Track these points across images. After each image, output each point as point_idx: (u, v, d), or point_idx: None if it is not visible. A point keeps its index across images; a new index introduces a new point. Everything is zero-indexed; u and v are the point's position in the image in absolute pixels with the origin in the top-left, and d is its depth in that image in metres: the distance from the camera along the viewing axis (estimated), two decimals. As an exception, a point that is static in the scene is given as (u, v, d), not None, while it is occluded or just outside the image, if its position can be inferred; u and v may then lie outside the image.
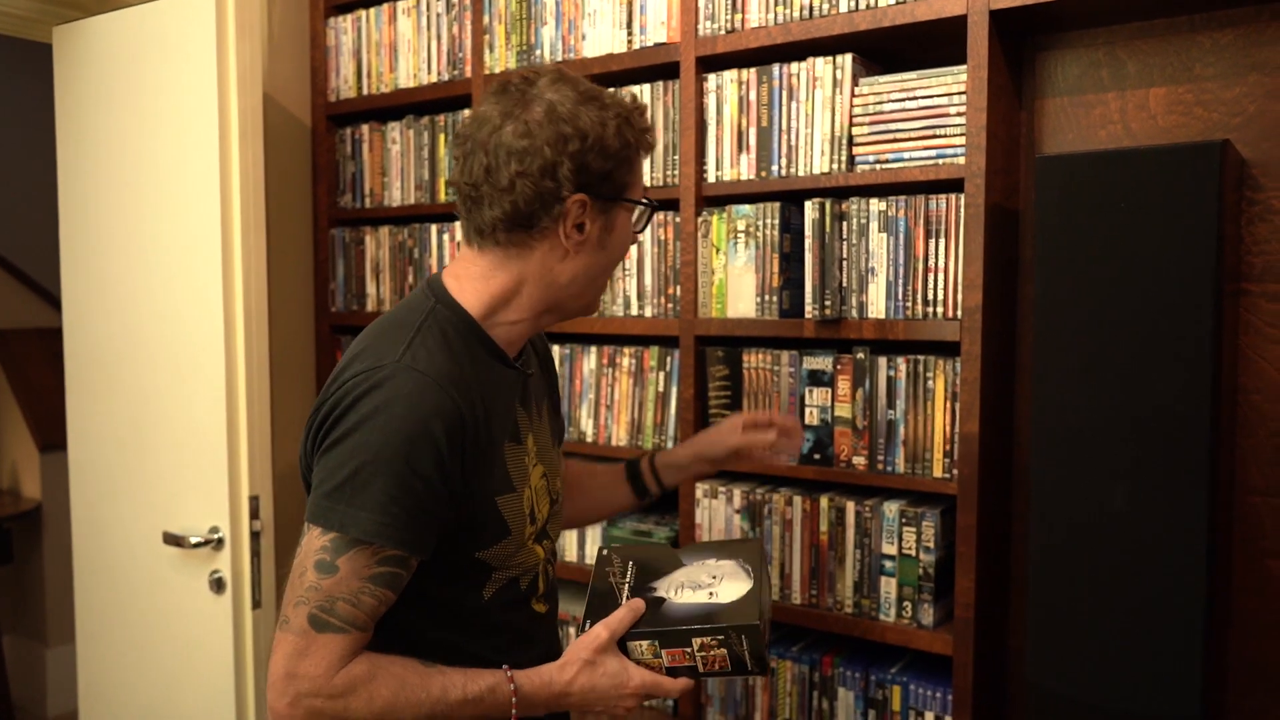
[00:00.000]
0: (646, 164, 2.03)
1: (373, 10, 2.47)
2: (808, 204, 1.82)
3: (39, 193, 4.01)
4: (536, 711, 1.18)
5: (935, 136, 1.71)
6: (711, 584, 1.26)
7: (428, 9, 2.35)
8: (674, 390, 2.03)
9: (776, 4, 1.84)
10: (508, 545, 1.20)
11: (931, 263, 1.73)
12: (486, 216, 1.17)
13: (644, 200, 1.26)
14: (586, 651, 1.19)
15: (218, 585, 2.12)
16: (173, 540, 2.16)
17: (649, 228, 2.04)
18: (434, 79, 2.34)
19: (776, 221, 1.87)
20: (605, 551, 1.36)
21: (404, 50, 2.40)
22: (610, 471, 1.58)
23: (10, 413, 3.71)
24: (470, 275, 1.21)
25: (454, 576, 1.19)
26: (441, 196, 2.35)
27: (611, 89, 1.25)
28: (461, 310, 1.20)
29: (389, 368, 1.09)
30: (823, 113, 1.82)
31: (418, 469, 1.07)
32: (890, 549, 1.76)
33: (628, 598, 1.25)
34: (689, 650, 1.20)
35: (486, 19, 2.24)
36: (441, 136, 2.35)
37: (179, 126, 2.17)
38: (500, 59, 2.22)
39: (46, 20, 2.50)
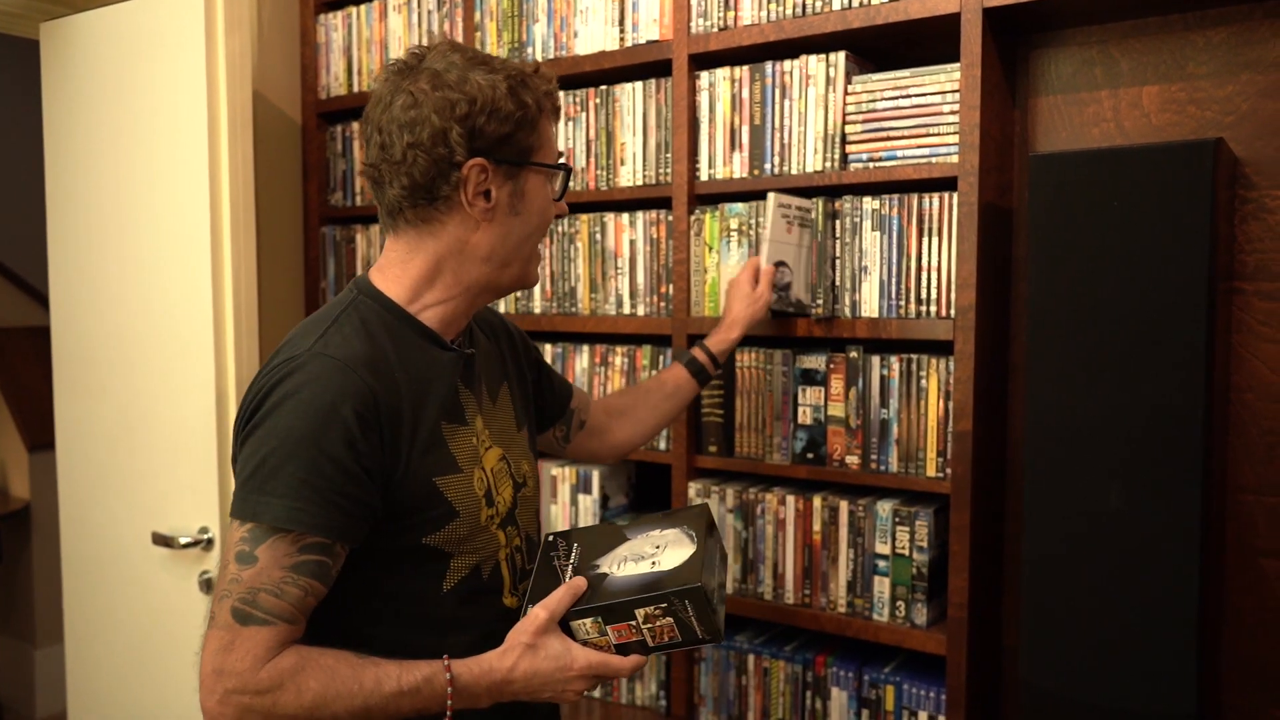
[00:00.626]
0: (639, 160, 2.02)
1: (363, 7, 2.45)
2: (811, 201, 1.82)
3: (27, 190, 3.99)
4: (479, 703, 1.13)
5: (928, 135, 1.71)
6: (654, 554, 1.21)
7: (418, 6, 2.34)
8: (667, 389, 2.03)
9: (769, 1, 1.83)
10: (458, 528, 1.17)
11: (925, 261, 1.72)
12: (390, 195, 1.17)
13: (556, 164, 1.23)
14: (526, 635, 1.13)
15: (207, 586, 2.11)
16: (162, 540, 2.14)
17: (647, 225, 2.03)
18: (425, 76, 2.32)
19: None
20: (550, 538, 1.32)
21: (395, 47, 2.39)
22: (668, 376, 1.71)
23: (-2, 412, 3.68)
24: (391, 263, 1.21)
25: (407, 567, 1.16)
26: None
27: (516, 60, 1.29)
28: (385, 298, 1.19)
29: (301, 357, 1.09)
30: (816, 111, 1.81)
31: (328, 450, 1.04)
32: (884, 548, 1.76)
33: (570, 578, 1.21)
34: (634, 624, 1.15)
35: (478, 16, 2.23)
36: (433, 134, 2.34)
37: (167, 124, 2.16)
38: (492, 56, 2.21)
39: (33, 16, 2.48)
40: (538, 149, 1.20)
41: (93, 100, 2.30)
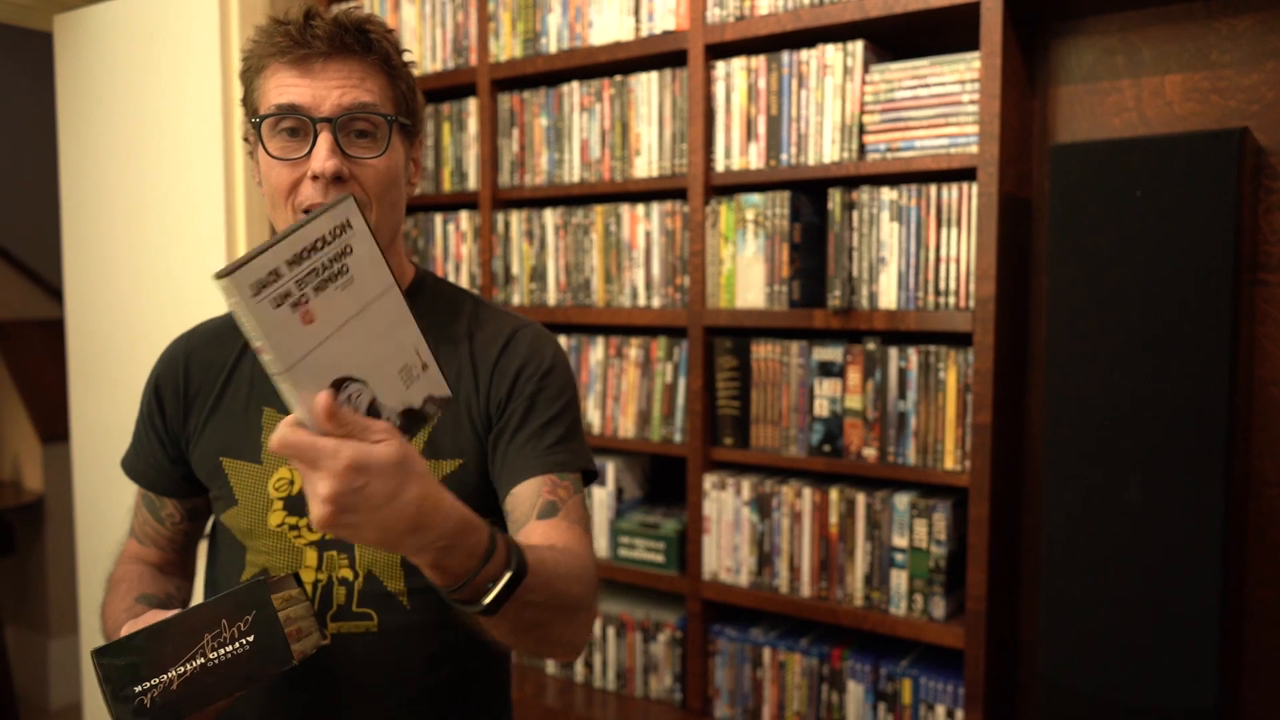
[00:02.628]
0: (655, 151, 2.01)
1: (376, -2, 2.45)
2: (828, 192, 1.81)
3: (39, 183, 3.99)
4: None
5: (947, 124, 1.69)
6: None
7: (432, -4, 2.33)
8: (682, 381, 2.02)
9: (786, -10, 1.82)
10: (239, 518, 1.10)
11: (943, 252, 1.71)
12: None
13: (259, 115, 1.03)
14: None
15: (222, 577, 2.11)
16: (177, 532, 2.14)
17: (662, 216, 2.02)
18: (438, 67, 2.32)
19: (786, 211, 1.85)
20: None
21: (408, 38, 2.38)
22: None
23: (11, 404, 3.69)
24: None
25: (221, 543, 1.16)
26: (446, 186, 2.33)
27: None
28: None
29: None
30: (833, 100, 1.80)
31: (140, 408, 1.19)
32: (901, 541, 1.75)
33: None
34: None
35: (492, 6, 2.21)
36: (446, 126, 2.33)
37: (182, 115, 2.15)
38: (506, 47, 2.20)
39: (47, 8, 2.48)
40: (260, 103, 1.04)
41: (107, 92, 2.30)
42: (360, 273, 0.76)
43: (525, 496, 1.03)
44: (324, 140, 1.00)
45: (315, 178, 1.00)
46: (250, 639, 0.93)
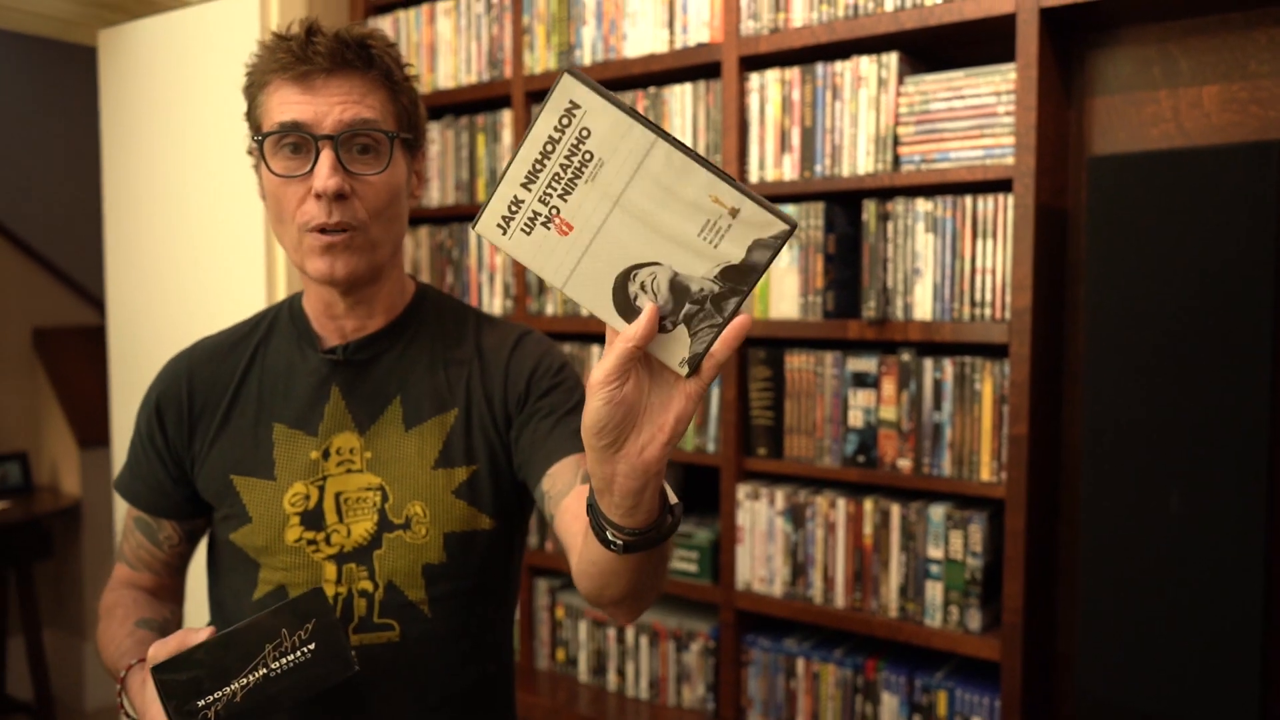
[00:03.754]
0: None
1: (412, 11, 2.47)
2: (862, 203, 1.81)
3: (79, 193, 4.06)
4: (142, 717, 0.98)
5: (983, 136, 1.70)
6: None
7: (467, 9, 2.35)
8: (715, 391, 2.02)
9: (821, 3, 1.83)
10: (253, 535, 1.10)
11: (979, 264, 1.71)
12: None
13: (263, 133, 1.04)
14: (148, 668, 0.96)
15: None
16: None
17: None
18: (473, 80, 2.34)
19: (820, 222, 1.85)
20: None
21: (444, 51, 2.41)
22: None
23: (50, 410, 3.75)
24: None
25: (228, 561, 1.14)
26: (481, 197, 2.36)
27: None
28: (298, 299, 1.18)
29: None
30: (867, 112, 1.80)
31: (138, 428, 1.17)
32: (936, 553, 1.75)
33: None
34: None
35: (526, 19, 2.24)
36: (481, 137, 2.35)
37: (223, 128, 2.19)
38: (540, 59, 2.22)
39: (91, 23, 2.53)
40: (263, 120, 1.05)
41: (149, 105, 2.34)
42: (606, 150, 0.66)
43: (565, 471, 1.05)
44: (325, 158, 1.01)
45: (318, 196, 1.01)
46: (311, 646, 0.93)
